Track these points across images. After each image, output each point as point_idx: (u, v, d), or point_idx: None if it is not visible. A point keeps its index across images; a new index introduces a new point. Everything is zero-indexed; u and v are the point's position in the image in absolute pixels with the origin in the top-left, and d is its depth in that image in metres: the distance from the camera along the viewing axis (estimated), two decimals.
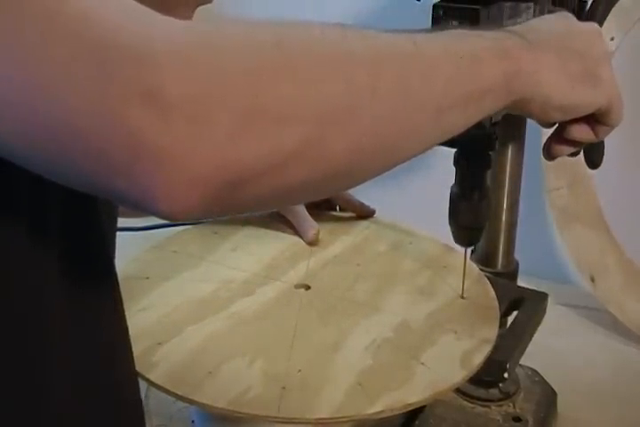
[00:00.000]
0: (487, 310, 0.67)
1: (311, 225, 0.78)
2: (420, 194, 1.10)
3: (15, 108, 0.32)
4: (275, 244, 0.78)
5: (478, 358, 0.60)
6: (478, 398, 0.75)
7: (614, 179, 1.01)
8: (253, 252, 0.76)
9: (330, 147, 0.36)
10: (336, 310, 0.67)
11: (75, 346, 0.46)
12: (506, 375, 0.67)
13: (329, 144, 0.36)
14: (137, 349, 0.54)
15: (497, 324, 0.65)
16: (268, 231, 0.80)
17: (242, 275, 0.72)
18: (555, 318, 0.80)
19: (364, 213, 0.83)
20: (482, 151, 0.62)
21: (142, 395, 0.54)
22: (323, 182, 0.38)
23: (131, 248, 0.71)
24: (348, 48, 0.38)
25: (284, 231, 0.80)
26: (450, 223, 0.65)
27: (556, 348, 0.91)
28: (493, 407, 0.74)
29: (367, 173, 0.41)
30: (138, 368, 0.54)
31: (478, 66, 0.44)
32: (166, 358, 0.59)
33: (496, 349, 0.62)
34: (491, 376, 0.69)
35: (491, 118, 0.57)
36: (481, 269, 0.75)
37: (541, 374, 0.81)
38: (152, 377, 0.57)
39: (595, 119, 0.53)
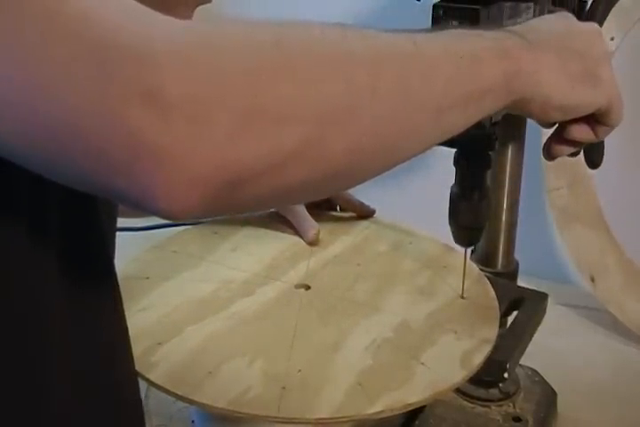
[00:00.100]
0: (487, 310, 0.67)
1: (311, 225, 0.78)
2: (420, 194, 1.10)
3: (15, 108, 0.32)
4: (275, 244, 0.78)
5: (478, 358, 0.60)
6: (478, 398, 0.75)
7: (614, 179, 1.01)
8: (253, 252, 0.76)
9: (329, 147, 0.36)
10: (336, 310, 0.67)
11: (75, 346, 0.46)
12: (506, 375, 0.67)
13: (329, 144, 0.36)
14: (137, 349, 0.55)
15: (497, 324, 0.65)
16: (268, 231, 0.80)
17: (242, 275, 0.72)
18: (555, 318, 0.80)
19: (364, 213, 0.83)
20: (482, 151, 0.62)
21: (142, 395, 0.54)
22: (322, 182, 0.38)
23: (131, 248, 0.71)
24: (348, 48, 0.38)
25: (284, 231, 0.80)
26: (450, 223, 0.65)
27: (556, 348, 0.91)
28: (493, 407, 0.74)
29: (367, 172, 0.41)
30: (138, 368, 0.54)
31: (478, 66, 0.44)
32: (166, 358, 0.59)
33: (496, 349, 0.62)
34: (491, 376, 0.69)
35: (491, 118, 0.57)
36: (481, 269, 0.75)
37: (541, 374, 0.81)
38: (152, 377, 0.57)
39: (595, 119, 0.53)
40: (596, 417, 0.81)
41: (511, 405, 0.75)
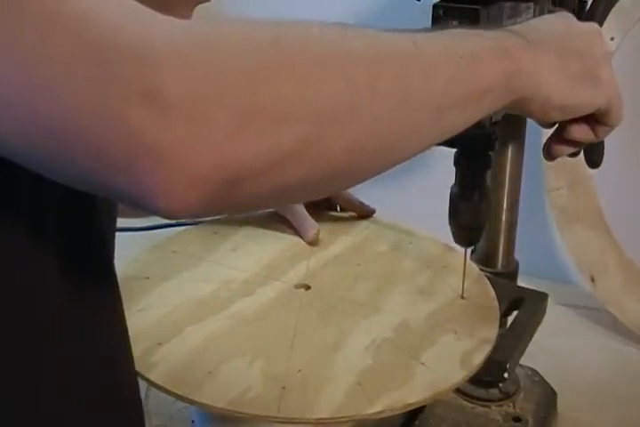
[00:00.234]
0: (487, 310, 0.67)
1: (311, 225, 0.78)
2: (420, 194, 1.10)
3: (15, 108, 0.32)
4: (275, 244, 0.78)
5: (478, 358, 0.60)
6: (478, 398, 0.75)
7: (614, 179, 1.01)
8: (253, 252, 0.76)
9: (329, 146, 0.36)
10: (336, 310, 0.67)
11: (74, 346, 0.46)
12: (506, 375, 0.67)
13: (328, 143, 0.36)
14: (137, 349, 0.55)
15: (497, 324, 0.65)
16: (268, 231, 0.80)
17: (242, 275, 0.72)
18: (555, 318, 0.80)
19: (365, 213, 0.83)
20: (482, 151, 0.62)
21: (142, 395, 0.54)
22: (322, 181, 0.38)
23: (131, 248, 0.71)
24: (348, 47, 0.38)
25: (283, 231, 0.80)
26: (450, 223, 0.65)
27: (556, 348, 0.91)
28: (493, 407, 0.74)
29: (367, 172, 0.41)
30: (138, 368, 0.54)
31: (478, 65, 0.44)
32: (166, 359, 0.59)
33: (496, 349, 0.62)
34: (491, 376, 0.69)
35: (491, 118, 0.57)
36: (481, 269, 0.75)
37: (541, 374, 0.81)
38: (152, 377, 0.57)
39: (594, 119, 0.53)
40: (596, 417, 0.81)
41: (511, 405, 0.75)
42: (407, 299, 0.69)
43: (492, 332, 0.63)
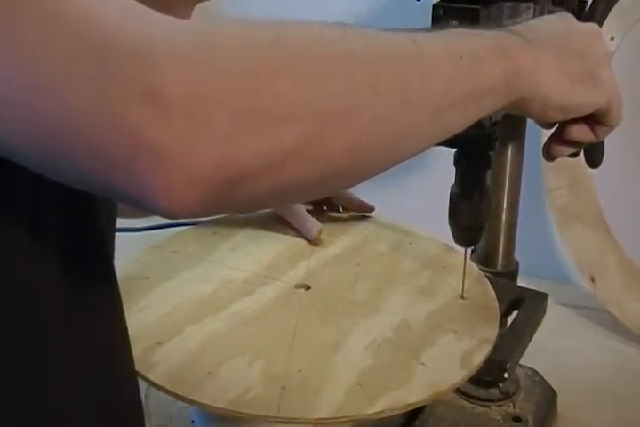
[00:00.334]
0: (487, 310, 0.67)
1: (314, 224, 0.78)
2: (420, 194, 1.10)
3: (15, 108, 0.32)
4: (274, 244, 0.78)
5: (478, 358, 0.60)
6: (478, 398, 0.75)
7: (614, 179, 1.01)
8: (253, 252, 0.76)
9: (329, 146, 0.36)
10: (336, 310, 0.67)
11: (74, 346, 0.46)
12: (506, 375, 0.67)
13: (328, 143, 0.36)
14: (137, 349, 0.55)
15: (497, 324, 0.65)
16: (268, 231, 0.80)
17: (242, 275, 0.72)
18: (555, 318, 0.80)
19: (365, 210, 0.83)
20: (482, 151, 0.62)
21: (142, 395, 0.54)
22: (321, 181, 0.38)
23: (131, 248, 0.71)
24: (348, 47, 0.38)
25: (283, 232, 0.80)
26: (450, 223, 0.65)
27: (556, 348, 0.91)
28: (493, 407, 0.74)
29: (366, 172, 0.41)
30: (138, 368, 0.54)
31: (478, 65, 0.44)
32: (166, 359, 0.59)
33: (496, 349, 0.62)
34: (491, 376, 0.69)
35: (491, 118, 0.57)
36: (481, 269, 0.75)
37: (541, 374, 0.81)
38: (152, 377, 0.57)
39: (594, 119, 0.53)
40: (595, 417, 0.81)
41: (511, 405, 0.75)
42: (407, 299, 0.69)
43: (492, 332, 0.63)
